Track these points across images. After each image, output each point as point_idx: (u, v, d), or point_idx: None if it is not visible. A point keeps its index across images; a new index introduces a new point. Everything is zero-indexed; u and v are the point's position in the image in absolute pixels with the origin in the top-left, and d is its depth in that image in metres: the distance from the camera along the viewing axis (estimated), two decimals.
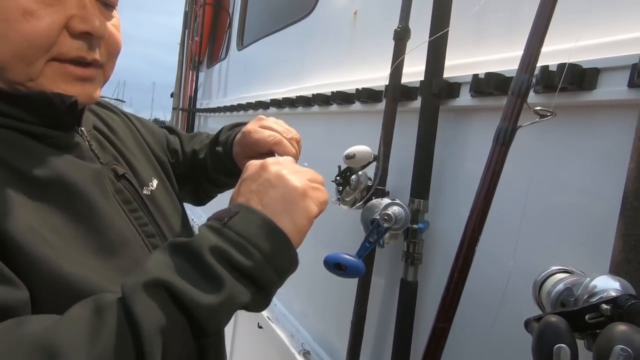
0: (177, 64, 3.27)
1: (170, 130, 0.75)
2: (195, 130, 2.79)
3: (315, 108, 1.17)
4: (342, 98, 1.02)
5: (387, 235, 0.74)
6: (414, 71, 0.82)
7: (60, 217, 0.40)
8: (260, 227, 0.39)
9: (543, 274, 0.50)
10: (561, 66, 0.52)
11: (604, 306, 0.39)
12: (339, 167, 0.84)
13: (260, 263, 0.38)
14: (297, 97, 1.23)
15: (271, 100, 1.41)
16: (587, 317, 0.40)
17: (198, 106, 2.73)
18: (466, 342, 0.65)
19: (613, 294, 0.41)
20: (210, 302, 0.35)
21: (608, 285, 0.42)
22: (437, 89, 0.73)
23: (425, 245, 0.77)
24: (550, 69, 0.54)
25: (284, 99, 1.32)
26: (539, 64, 0.53)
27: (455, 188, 0.75)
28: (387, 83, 0.85)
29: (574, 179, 0.57)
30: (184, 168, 0.70)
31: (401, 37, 0.80)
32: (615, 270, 0.46)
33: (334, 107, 1.09)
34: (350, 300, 0.89)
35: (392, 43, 0.84)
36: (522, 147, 0.59)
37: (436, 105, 0.75)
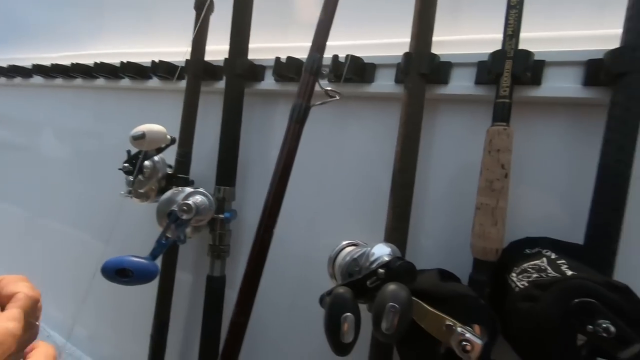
0: None
1: None
2: None
3: (101, 81, 0.95)
4: (135, 71, 0.86)
5: (188, 229, 0.65)
6: (219, 49, 0.75)
7: None
8: None
9: (335, 250, 0.53)
10: (347, 58, 0.57)
11: (380, 270, 0.43)
12: (128, 151, 0.69)
13: None
14: (73, 64, 0.97)
15: (34, 65, 1.07)
16: (368, 282, 0.43)
17: None
18: (266, 334, 0.64)
19: (386, 258, 0.46)
20: None
21: (382, 251, 0.47)
22: (242, 70, 0.69)
23: (233, 236, 0.72)
24: (339, 60, 0.58)
25: (54, 65, 1.02)
26: (331, 54, 0.56)
27: (262, 174, 0.73)
28: (188, 58, 0.75)
29: (360, 160, 0.63)
30: None
31: (201, 6, 0.72)
32: (388, 239, 0.53)
33: (125, 82, 0.91)
34: (150, 308, 0.76)
35: (194, 14, 0.75)
36: (315, 134, 0.61)
37: (241, 87, 0.71)
